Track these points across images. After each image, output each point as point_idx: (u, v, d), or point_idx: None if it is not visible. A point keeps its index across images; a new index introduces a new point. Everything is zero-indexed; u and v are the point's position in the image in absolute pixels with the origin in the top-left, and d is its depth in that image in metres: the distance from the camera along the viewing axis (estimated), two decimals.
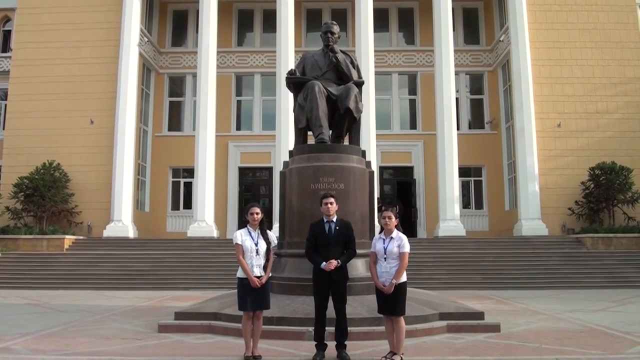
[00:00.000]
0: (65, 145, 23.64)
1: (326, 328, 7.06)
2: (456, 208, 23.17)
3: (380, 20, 26.80)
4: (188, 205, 26.08)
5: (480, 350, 7.62)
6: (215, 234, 23.38)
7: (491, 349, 7.67)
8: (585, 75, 24.03)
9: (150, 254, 20.74)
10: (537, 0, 24.48)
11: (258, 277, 7.01)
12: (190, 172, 25.68)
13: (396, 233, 6.95)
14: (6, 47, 27.93)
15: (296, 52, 23.73)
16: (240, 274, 7.11)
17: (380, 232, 7.12)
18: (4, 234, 21.59)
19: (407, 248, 6.87)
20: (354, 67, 10.97)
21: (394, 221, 6.95)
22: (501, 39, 25.91)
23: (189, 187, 26.45)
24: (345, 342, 7.04)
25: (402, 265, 6.82)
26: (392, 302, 6.83)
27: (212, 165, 23.67)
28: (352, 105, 10.23)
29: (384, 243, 6.93)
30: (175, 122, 28.17)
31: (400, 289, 6.84)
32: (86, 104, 24.03)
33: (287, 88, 11.81)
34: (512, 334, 8.87)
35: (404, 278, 6.89)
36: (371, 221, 10.25)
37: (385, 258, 6.88)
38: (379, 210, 19.15)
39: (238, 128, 27.91)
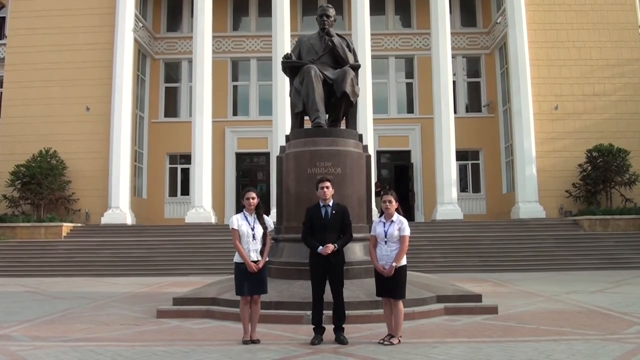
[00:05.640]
0: (61, 132, 23.56)
1: (324, 312, 7.08)
2: (453, 191, 23.17)
3: (377, 4, 26.59)
4: (185, 191, 26.09)
5: (477, 332, 7.64)
6: (213, 219, 23.38)
7: (489, 331, 7.69)
8: (583, 57, 23.94)
9: (148, 241, 20.77)
10: None
11: (255, 262, 7.00)
12: (187, 158, 25.62)
13: (396, 216, 6.96)
14: (1, 35, 27.75)
15: (292, 36, 23.53)
16: (237, 259, 7.10)
17: (380, 216, 7.12)
18: (1, 222, 21.57)
19: (407, 231, 6.88)
20: (350, 51, 10.89)
21: (394, 204, 6.96)
22: (498, 21, 25.78)
23: (186, 173, 26.44)
24: (344, 326, 7.06)
25: (402, 248, 6.84)
26: (391, 285, 6.86)
27: (209, 151, 23.60)
28: (348, 89, 10.17)
29: (384, 226, 6.94)
30: (171, 108, 28.08)
31: (401, 272, 6.86)
32: (82, 91, 23.90)
33: (283, 72, 11.76)
34: (510, 315, 8.90)
35: (404, 261, 6.91)
36: (368, 205, 10.23)
37: (385, 241, 6.89)
38: (377, 194, 19.22)
39: (235, 113, 27.83)
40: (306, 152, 9.93)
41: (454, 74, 25.18)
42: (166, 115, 27.81)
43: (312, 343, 6.86)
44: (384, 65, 27.58)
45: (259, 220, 7.14)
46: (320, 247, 6.92)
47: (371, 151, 13.98)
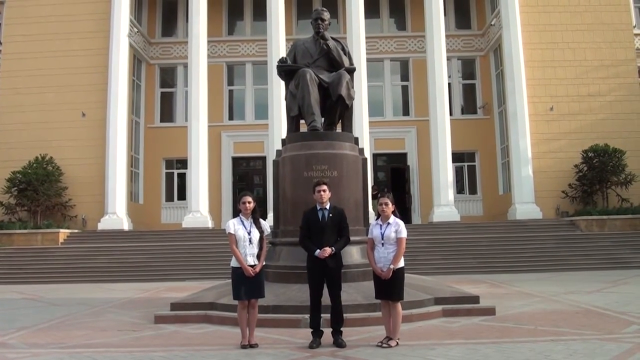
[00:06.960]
0: (57, 138, 23.49)
1: (322, 315, 7.08)
2: (450, 193, 23.21)
3: (371, 7, 26.62)
4: (182, 196, 26.02)
5: (475, 333, 7.65)
6: (210, 224, 23.35)
7: (486, 332, 7.70)
8: (577, 58, 24.00)
9: (146, 246, 20.72)
10: None
11: (252, 266, 7.00)
12: (183, 163, 25.57)
13: (393, 219, 6.99)
14: None
15: (287, 40, 23.60)
16: (234, 263, 7.10)
17: (377, 219, 7.14)
18: None
19: (404, 233, 6.91)
20: (345, 54, 10.91)
21: (390, 207, 7.00)
22: (492, 23, 25.84)
23: (182, 178, 26.38)
24: (342, 329, 7.07)
25: (399, 250, 6.86)
26: (389, 288, 6.88)
27: (205, 156, 23.59)
28: (344, 92, 10.19)
29: (381, 229, 6.97)
30: (167, 113, 28.04)
31: (398, 274, 6.89)
32: (77, 97, 23.85)
33: (278, 76, 11.77)
34: (507, 316, 8.91)
35: (401, 263, 6.93)
36: (365, 208, 10.26)
37: (382, 244, 6.92)
38: (374, 197, 19.22)
39: (230, 118, 27.83)
40: (302, 155, 9.94)
41: (449, 76, 25.27)
42: (162, 120, 27.77)
43: (310, 347, 6.87)
44: (379, 68, 27.62)
45: (256, 225, 7.15)
46: (318, 250, 6.92)
47: (367, 154, 13.97)
